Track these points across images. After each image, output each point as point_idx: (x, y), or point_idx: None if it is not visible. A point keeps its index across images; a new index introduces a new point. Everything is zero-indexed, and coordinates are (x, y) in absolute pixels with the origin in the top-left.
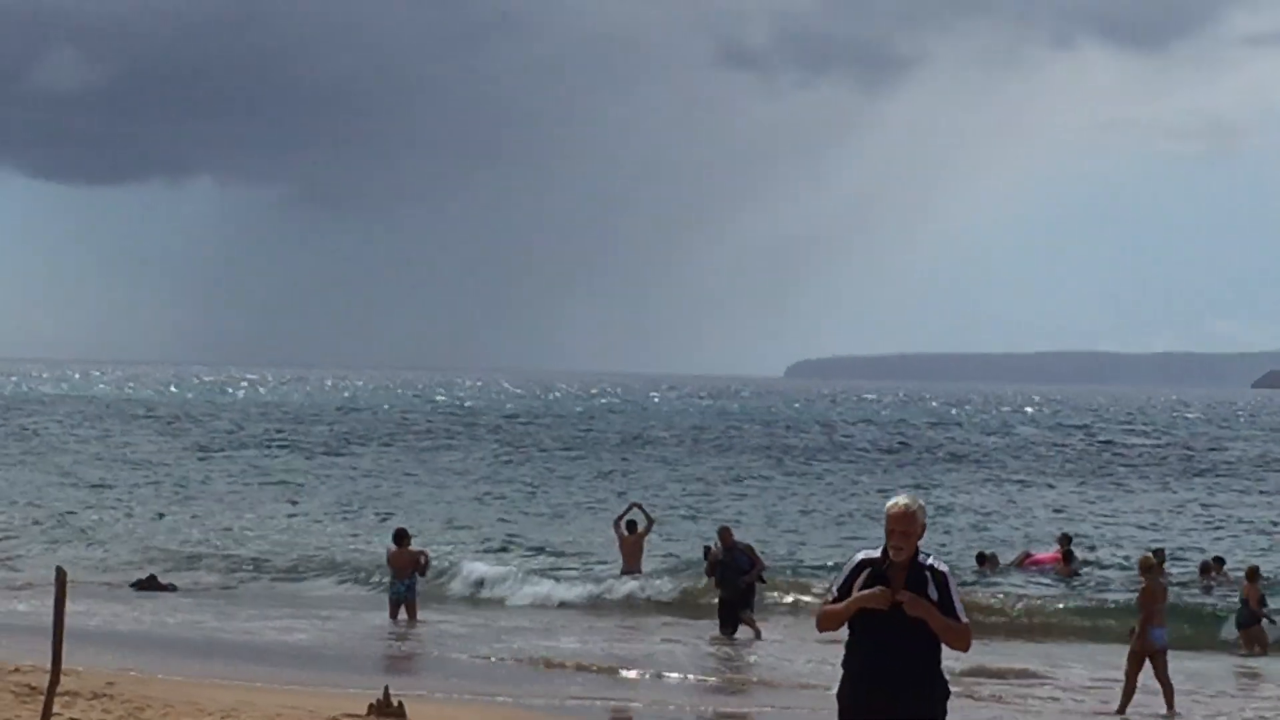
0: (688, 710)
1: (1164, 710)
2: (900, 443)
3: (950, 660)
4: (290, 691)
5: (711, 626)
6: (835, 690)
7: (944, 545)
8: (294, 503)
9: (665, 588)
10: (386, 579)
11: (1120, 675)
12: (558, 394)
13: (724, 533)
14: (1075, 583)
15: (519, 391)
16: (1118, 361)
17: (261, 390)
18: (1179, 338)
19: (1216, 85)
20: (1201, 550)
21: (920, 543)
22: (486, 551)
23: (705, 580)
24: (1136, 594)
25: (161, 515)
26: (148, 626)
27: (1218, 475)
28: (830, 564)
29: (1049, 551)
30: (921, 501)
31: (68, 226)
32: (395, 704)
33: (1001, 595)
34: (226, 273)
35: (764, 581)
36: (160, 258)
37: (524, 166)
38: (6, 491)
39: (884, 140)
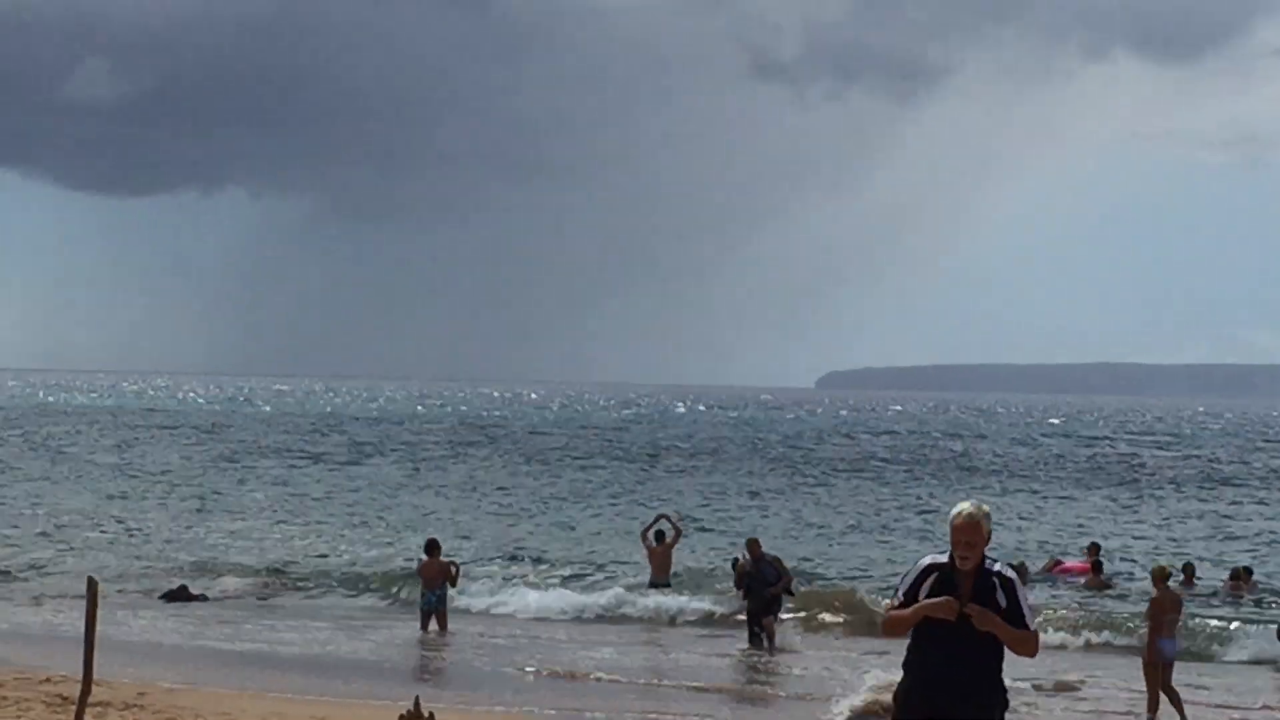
0: None
1: None
2: (921, 454)
3: None
4: (322, 702)
5: (740, 638)
6: (893, 691)
7: None
8: (325, 513)
9: (693, 599)
10: (407, 590)
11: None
12: (584, 405)
13: (752, 544)
14: (1105, 593)
15: (548, 403)
16: (1149, 373)
17: (290, 400)
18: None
19: (1248, 96)
20: (1225, 561)
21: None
22: (513, 560)
23: (733, 591)
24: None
25: (189, 526)
26: (178, 637)
27: (1238, 485)
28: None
29: (1078, 561)
30: (987, 508)
31: (101, 237)
32: (426, 715)
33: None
34: (259, 284)
35: (792, 595)
36: (192, 269)
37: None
38: (37, 501)
39: (915, 151)
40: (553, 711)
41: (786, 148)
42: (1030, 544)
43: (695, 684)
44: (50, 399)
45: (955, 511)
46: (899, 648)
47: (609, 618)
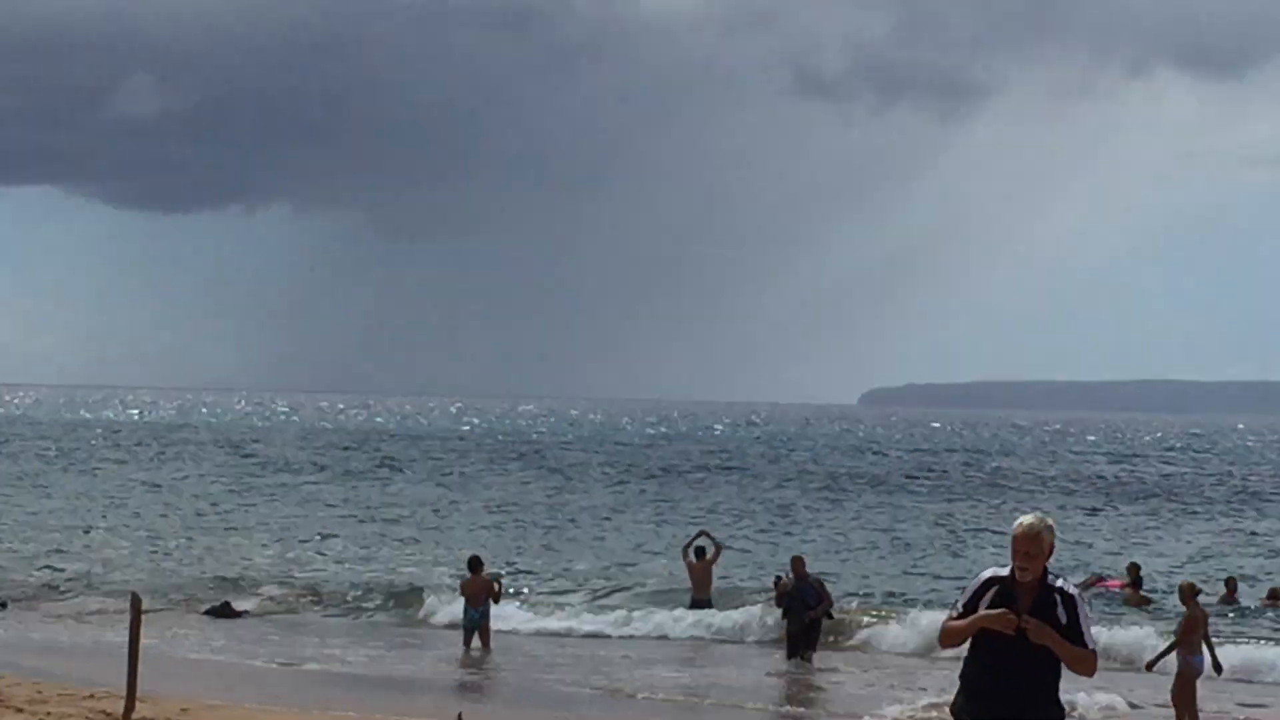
0: None
1: None
2: (943, 470)
3: None
4: (365, 718)
5: (779, 656)
6: (950, 704)
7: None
8: (362, 529)
9: (733, 617)
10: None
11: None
12: (624, 421)
13: (797, 562)
14: (1145, 609)
15: (585, 419)
16: (1193, 390)
17: (338, 417)
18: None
19: None
20: (1262, 580)
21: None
22: (552, 577)
23: (774, 609)
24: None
25: (229, 541)
26: (222, 653)
27: (1272, 501)
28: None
29: (1119, 579)
30: (1050, 521)
31: (144, 254)
32: None
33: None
34: (302, 300)
35: (830, 618)
36: (236, 285)
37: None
38: (76, 516)
39: (958, 168)
40: None
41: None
42: (1063, 561)
43: (738, 703)
44: (89, 415)
45: (1017, 522)
46: (940, 667)
47: (650, 635)
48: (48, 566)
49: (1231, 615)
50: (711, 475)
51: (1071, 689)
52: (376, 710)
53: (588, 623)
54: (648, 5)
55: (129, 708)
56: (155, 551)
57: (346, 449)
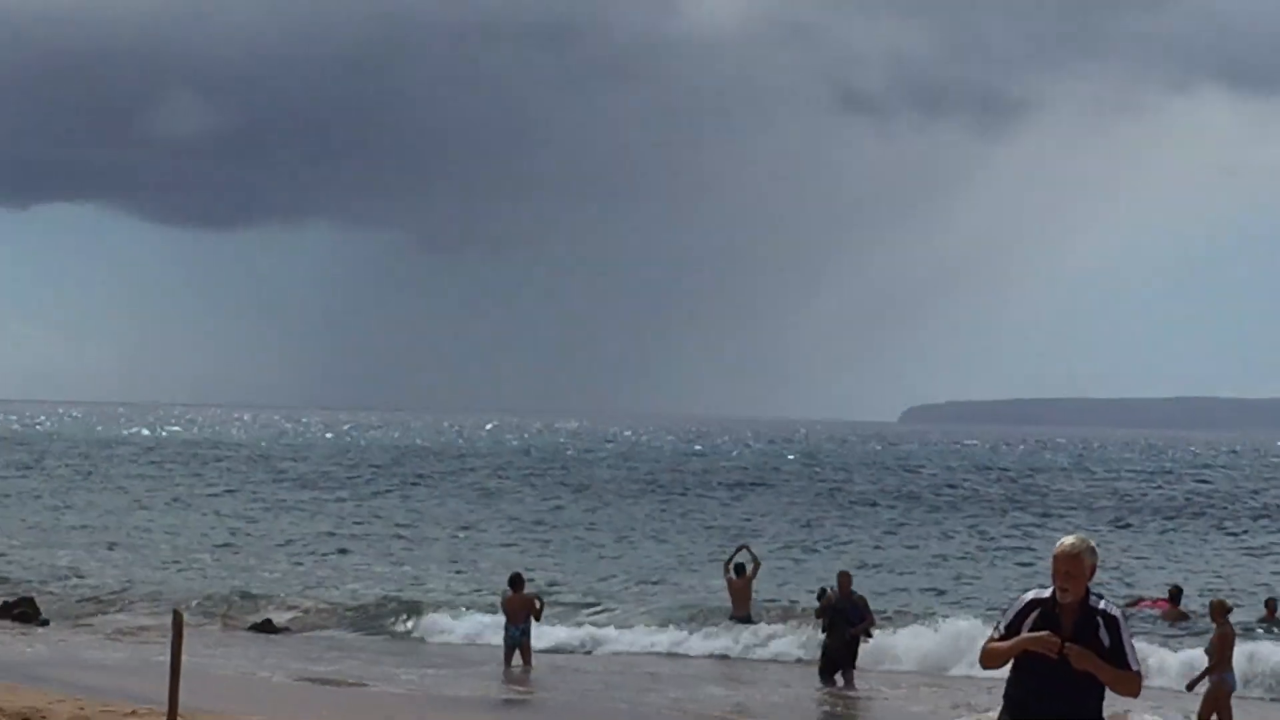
0: None
1: None
2: (973, 488)
3: None
4: None
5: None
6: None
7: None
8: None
9: (774, 633)
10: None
11: None
12: (661, 438)
13: (843, 578)
14: (1181, 623)
15: (621, 435)
16: (1236, 407)
17: (372, 434)
18: None
19: None
20: None
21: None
22: (589, 594)
23: (815, 623)
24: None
25: (269, 558)
26: (263, 669)
27: None
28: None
29: (1158, 598)
30: (1092, 543)
31: (184, 271)
32: None
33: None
34: (342, 316)
35: (870, 637)
36: (276, 302)
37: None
38: (108, 533)
39: (1000, 184)
40: None
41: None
42: (1099, 580)
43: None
44: (126, 431)
45: (1059, 543)
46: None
47: (689, 653)
48: (83, 582)
49: (1277, 631)
50: (744, 491)
51: (1120, 709)
52: None
53: (625, 640)
54: (688, 21)
55: None
56: (184, 567)
57: (376, 466)
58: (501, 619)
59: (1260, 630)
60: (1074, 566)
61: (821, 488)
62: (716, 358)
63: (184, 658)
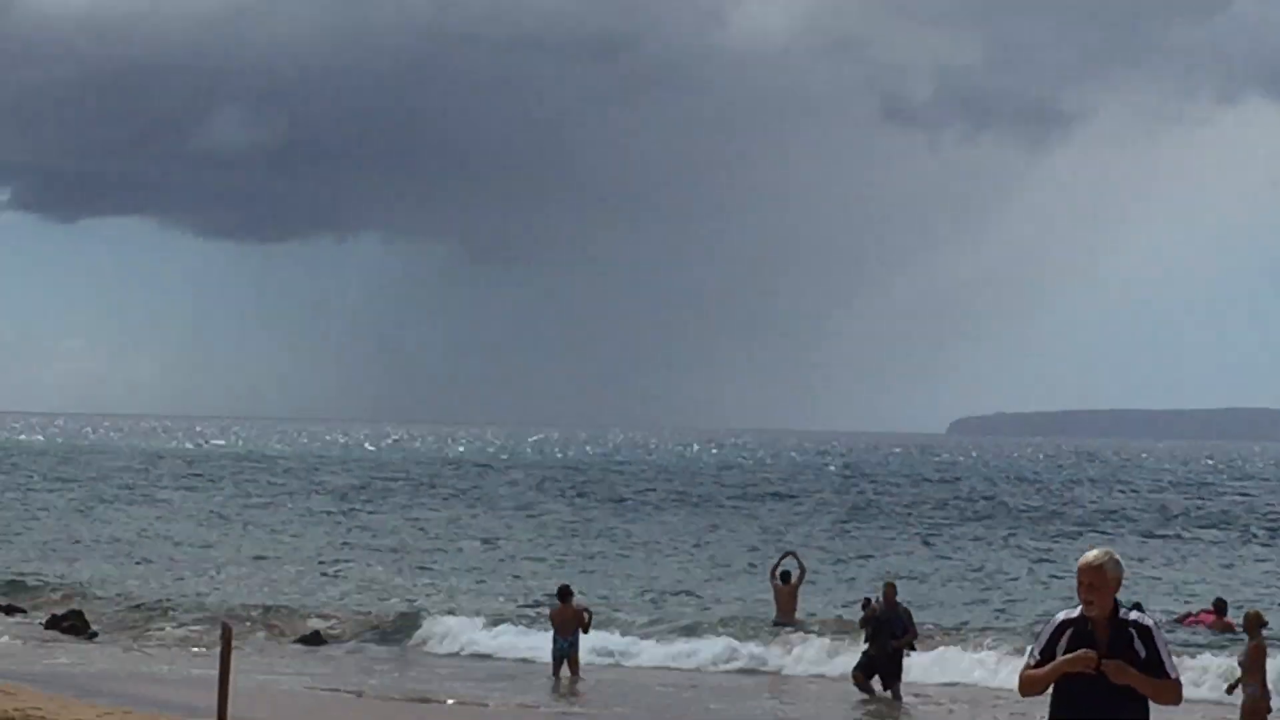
0: None
1: None
2: (1001, 500)
3: None
4: None
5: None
6: None
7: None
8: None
9: (816, 642)
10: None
11: None
12: (712, 449)
13: (889, 589)
14: (1231, 638)
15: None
16: None
17: (416, 444)
18: None
19: None
20: None
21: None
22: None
23: (859, 632)
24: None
25: (314, 571)
26: (310, 680)
27: None
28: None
29: (1206, 614)
30: (1116, 555)
31: (235, 284)
32: None
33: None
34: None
35: (913, 650)
36: (326, 315)
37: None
38: (157, 547)
39: (1047, 195)
40: None
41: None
42: (1142, 594)
43: None
44: (173, 443)
45: (1081, 557)
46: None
47: (731, 666)
48: (129, 595)
49: None
50: (777, 502)
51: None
52: None
53: (666, 652)
54: (734, 32)
55: None
56: (226, 579)
57: (417, 478)
58: (549, 631)
59: None
60: (1096, 578)
61: (859, 499)
62: (763, 369)
63: (233, 670)
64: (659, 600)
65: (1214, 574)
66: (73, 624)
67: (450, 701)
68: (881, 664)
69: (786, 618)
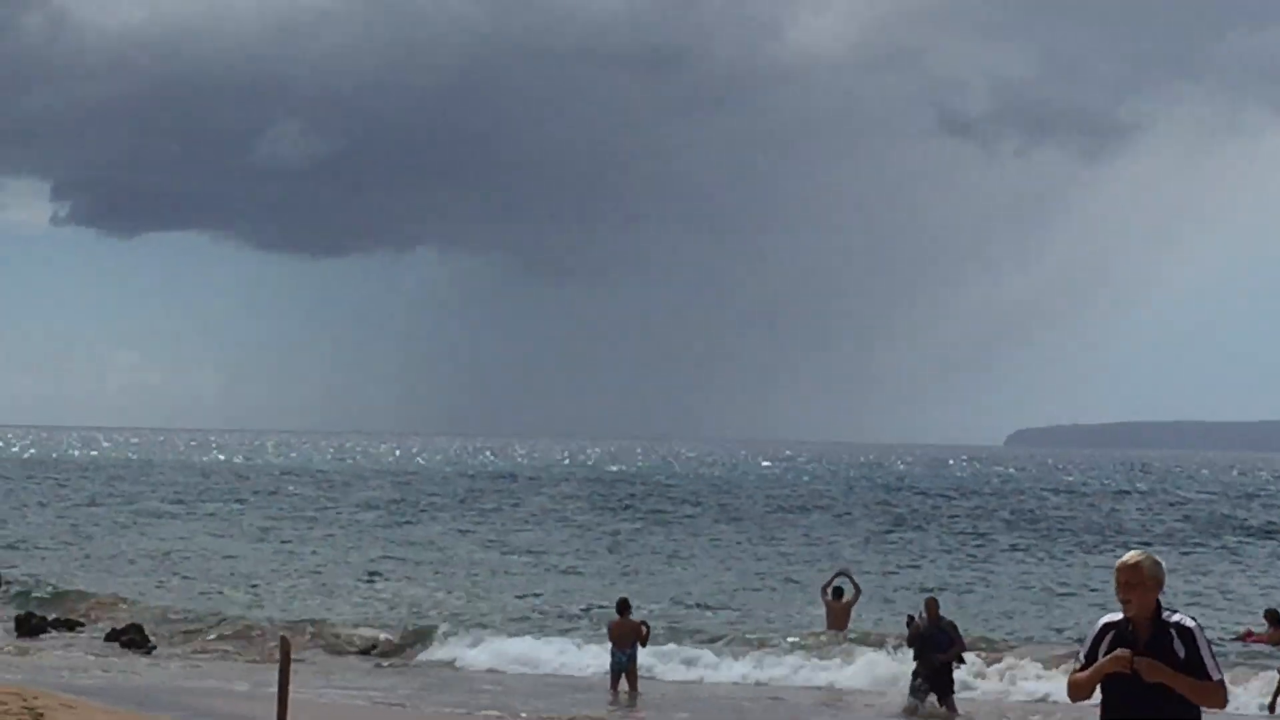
0: None
1: None
2: (1034, 512)
3: None
4: None
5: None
6: None
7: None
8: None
9: (870, 657)
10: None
11: None
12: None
13: (931, 604)
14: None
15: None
16: None
17: (474, 459)
18: None
19: None
20: None
21: (1161, 599)
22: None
23: (906, 649)
24: None
25: (370, 583)
26: (361, 694)
27: None
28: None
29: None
30: (1156, 556)
31: (291, 298)
32: None
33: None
34: (448, 342)
35: (962, 662)
36: (382, 328)
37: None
38: (207, 561)
39: (1103, 207)
40: None
41: (973, 204)
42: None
43: None
44: (222, 457)
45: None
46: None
47: (784, 681)
48: (185, 609)
49: None
50: (820, 514)
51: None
52: None
53: (717, 667)
54: (790, 45)
55: None
56: (274, 591)
57: (451, 492)
58: (609, 644)
59: None
60: (1133, 576)
61: (901, 512)
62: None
63: (291, 684)
64: (698, 613)
65: (1266, 583)
66: (132, 638)
67: (523, 715)
68: (931, 680)
69: (838, 634)
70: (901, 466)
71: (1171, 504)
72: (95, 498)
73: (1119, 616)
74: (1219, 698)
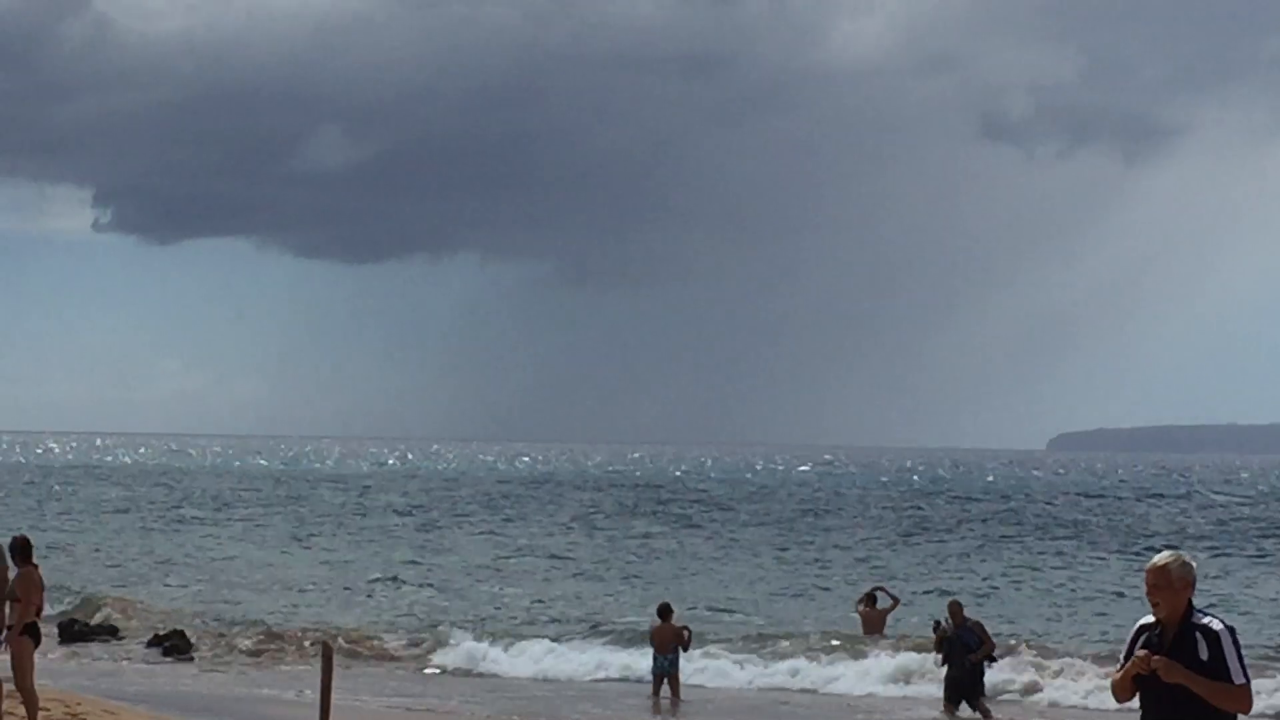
0: None
1: None
2: (1072, 517)
3: None
4: None
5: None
6: None
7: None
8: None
9: (901, 660)
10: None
11: None
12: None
13: (954, 608)
14: None
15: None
16: None
17: (524, 462)
18: None
19: None
20: None
21: (1193, 600)
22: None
23: (934, 656)
24: None
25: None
26: (404, 699)
27: None
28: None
29: None
30: (1185, 558)
31: (333, 304)
32: None
33: None
34: (489, 349)
35: (993, 662)
36: (424, 334)
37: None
38: (251, 569)
39: (1146, 210)
40: None
41: (1015, 208)
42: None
43: None
44: (264, 462)
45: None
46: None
47: (818, 690)
48: (226, 614)
49: None
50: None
51: None
52: None
53: (748, 673)
54: (831, 50)
55: None
56: (308, 597)
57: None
58: (649, 649)
59: None
60: (1160, 578)
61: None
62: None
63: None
64: (731, 617)
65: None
66: (174, 644)
67: None
68: (963, 684)
69: (873, 640)
70: (940, 471)
71: (1205, 507)
72: (132, 503)
73: (1153, 618)
74: (1241, 701)
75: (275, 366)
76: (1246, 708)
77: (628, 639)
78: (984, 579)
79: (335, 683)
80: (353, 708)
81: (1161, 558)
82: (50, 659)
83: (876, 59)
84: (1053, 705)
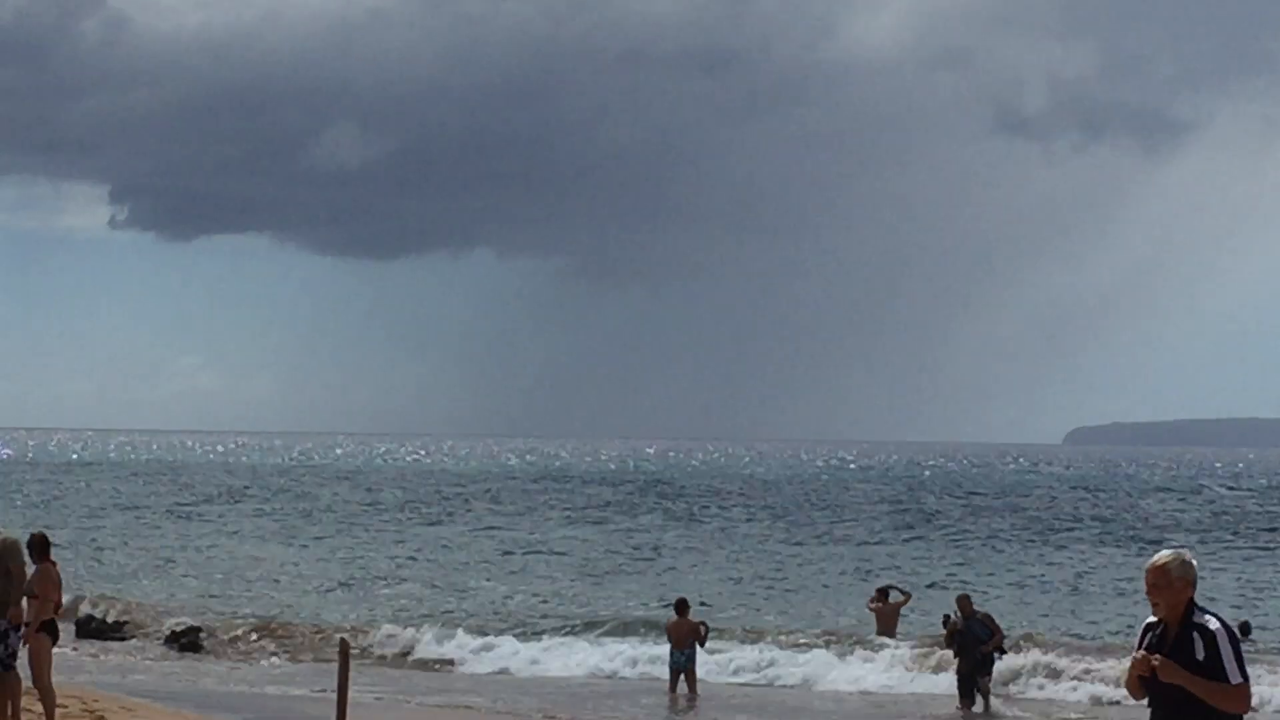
0: None
1: None
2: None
3: None
4: None
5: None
6: None
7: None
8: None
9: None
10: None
11: None
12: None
13: (963, 601)
14: None
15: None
16: None
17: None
18: None
19: None
20: None
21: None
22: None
23: (945, 650)
24: None
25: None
26: (432, 697)
27: None
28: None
29: None
30: (1186, 557)
31: (350, 301)
32: None
33: None
34: (506, 345)
35: (1003, 653)
36: (440, 331)
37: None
38: (258, 566)
39: (1163, 204)
40: None
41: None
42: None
43: None
44: (279, 460)
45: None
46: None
47: (834, 686)
48: (241, 611)
49: None
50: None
51: None
52: None
53: (763, 666)
54: (846, 46)
55: None
56: (320, 593)
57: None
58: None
59: None
60: (1159, 578)
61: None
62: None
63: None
64: (742, 613)
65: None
66: (190, 640)
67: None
68: (975, 674)
69: (887, 634)
70: (953, 466)
71: (1212, 500)
72: (143, 499)
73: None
74: (1234, 700)
75: (292, 363)
76: (1245, 707)
77: (641, 634)
78: (990, 568)
79: (350, 678)
80: (368, 704)
81: (1161, 557)
82: (67, 656)
83: (891, 54)
84: (1058, 700)
